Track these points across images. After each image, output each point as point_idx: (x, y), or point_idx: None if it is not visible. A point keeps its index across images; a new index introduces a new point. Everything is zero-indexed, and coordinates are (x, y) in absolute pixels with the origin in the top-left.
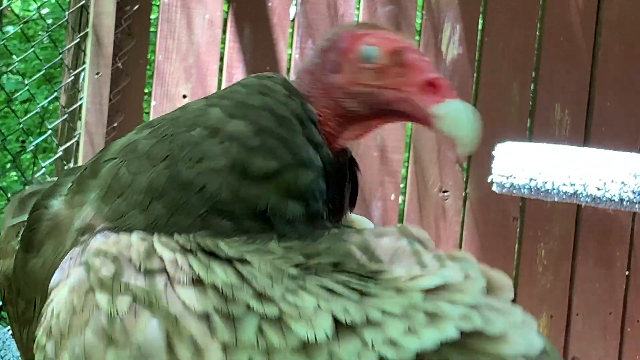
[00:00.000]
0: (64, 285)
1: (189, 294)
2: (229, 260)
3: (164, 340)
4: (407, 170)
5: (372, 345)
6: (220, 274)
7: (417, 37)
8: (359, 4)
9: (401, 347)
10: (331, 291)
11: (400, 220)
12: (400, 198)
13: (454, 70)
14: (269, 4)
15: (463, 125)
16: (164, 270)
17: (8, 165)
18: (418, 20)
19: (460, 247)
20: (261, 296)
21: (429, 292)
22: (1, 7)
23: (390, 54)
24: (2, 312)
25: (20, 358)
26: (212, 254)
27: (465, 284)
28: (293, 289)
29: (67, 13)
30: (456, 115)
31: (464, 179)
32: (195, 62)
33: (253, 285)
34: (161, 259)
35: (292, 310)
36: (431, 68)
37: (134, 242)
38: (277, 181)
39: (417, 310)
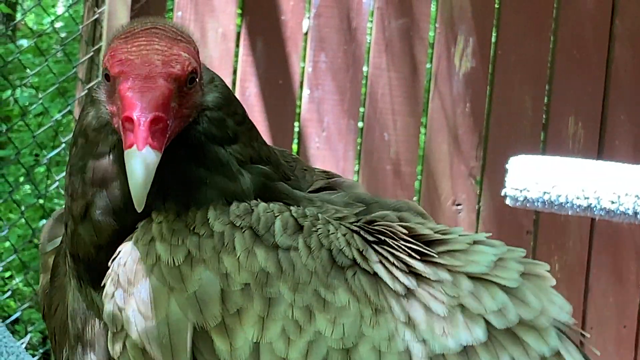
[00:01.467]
0: (129, 240)
1: (231, 264)
2: (275, 246)
3: (218, 291)
4: (420, 184)
5: (403, 338)
6: (260, 260)
7: (429, 50)
8: (371, 17)
9: (429, 346)
10: (380, 281)
11: None
12: None
13: (467, 83)
14: (282, 18)
15: (133, 179)
16: (212, 235)
17: (22, 179)
18: (431, 33)
19: None
20: (296, 286)
21: (475, 278)
22: (15, 21)
23: (113, 78)
24: (17, 326)
25: None
26: (258, 237)
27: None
28: (330, 284)
29: (80, 27)
30: (131, 167)
31: (477, 192)
32: None
33: (289, 275)
34: (211, 227)
35: (319, 305)
36: (137, 102)
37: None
38: None
39: (457, 309)
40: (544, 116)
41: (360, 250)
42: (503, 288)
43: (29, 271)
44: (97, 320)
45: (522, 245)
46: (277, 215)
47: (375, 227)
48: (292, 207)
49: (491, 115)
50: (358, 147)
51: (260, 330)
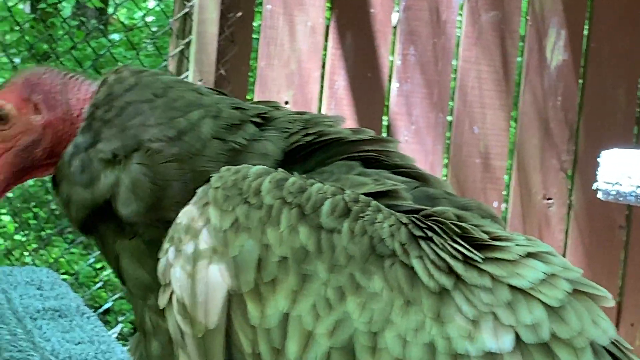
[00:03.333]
0: (190, 202)
1: (274, 237)
2: (319, 227)
3: (256, 260)
4: (510, 178)
5: (429, 332)
6: (302, 237)
7: (520, 43)
8: (461, 9)
9: (453, 344)
10: (416, 276)
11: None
12: (503, 205)
13: (559, 77)
14: (371, 11)
15: None
16: (261, 207)
17: None
18: (522, 26)
19: (564, 255)
20: (332, 267)
21: (517, 290)
22: (107, 16)
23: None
24: (108, 316)
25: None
26: (304, 215)
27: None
28: (365, 270)
29: (171, 21)
30: None
31: (569, 187)
32: (297, 69)
33: (327, 256)
34: (262, 199)
35: (352, 287)
36: None
37: (250, 175)
38: None
39: (489, 316)
40: (637, 109)
41: (403, 243)
42: (544, 305)
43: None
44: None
45: (615, 240)
46: (329, 198)
47: (428, 222)
48: (347, 191)
49: (583, 109)
50: (447, 141)
51: (291, 302)
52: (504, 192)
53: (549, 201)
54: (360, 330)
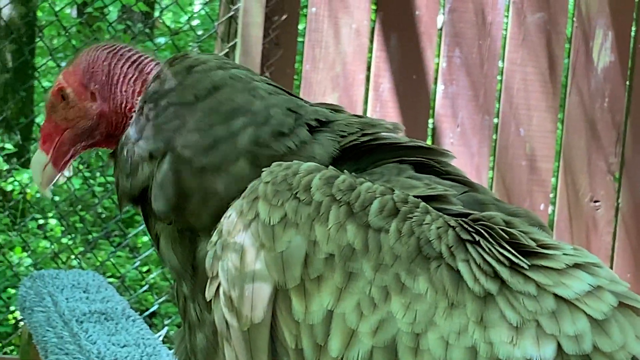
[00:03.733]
0: (242, 195)
1: (321, 233)
2: (366, 225)
3: (303, 255)
4: (557, 180)
5: (472, 336)
6: (349, 235)
7: (567, 45)
8: (507, 11)
9: (495, 349)
10: (462, 279)
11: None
12: (550, 208)
13: (606, 78)
14: (416, 13)
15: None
16: (310, 203)
17: None
18: (569, 28)
19: (612, 258)
20: (378, 266)
21: (562, 300)
22: (153, 19)
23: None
24: (154, 319)
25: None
26: (352, 213)
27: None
28: (411, 271)
29: (216, 24)
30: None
31: (616, 189)
32: (342, 72)
33: (373, 255)
34: (312, 196)
35: (397, 287)
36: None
37: (301, 171)
38: None
39: (532, 324)
40: None
41: (450, 246)
42: (588, 317)
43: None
44: (199, 295)
45: None
46: (378, 197)
47: (476, 226)
48: (396, 191)
49: (630, 111)
50: (493, 143)
51: (336, 300)
52: (551, 195)
53: (596, 204)
54: (403, 330)
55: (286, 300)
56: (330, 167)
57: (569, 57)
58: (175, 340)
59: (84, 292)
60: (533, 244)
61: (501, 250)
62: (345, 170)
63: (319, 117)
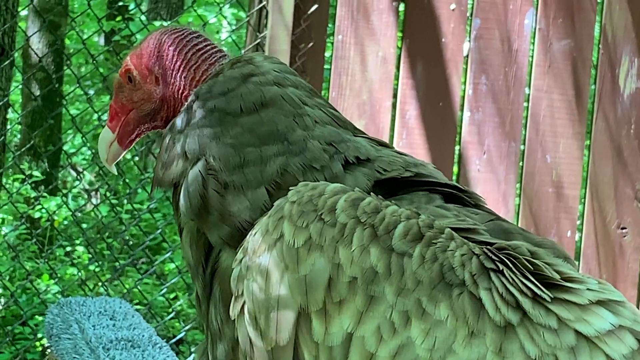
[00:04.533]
0: (267, 213)
1: (345, 256)
2: (390, 249)
3: (326, 280)
4: (583, 207)
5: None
6: (373, 258)
7: (593, 71)
8: (533, 38)
9: None
10: (483, 308)
11: (577, 258)
12: (577, 235)
13: (633, 104)
14: (443, 40)
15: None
16: (335, 225)
17: None
18: (595, 54)
19: (639, 285)
20: (400, 290)
21: (582, 336)
22: None
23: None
24: (181, 346)
25: None
26: (376, 236)
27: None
28: (433, 297)
29: (243, 51)
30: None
31: None
32: (368, 99)
33: (396, 279)
34: (337, 217)
35: (418, 313)
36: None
37: (327, 192)
38: None
39: (550, 358)
40: None
41: (473, 273)
42: (607, 357)
43: (192, 292)
44: (221, 308)
45: None
46: (403, 221)
47: (501, 255)
48: (422, 216)
49: None
50: (519, 170)
51: (356, 323)
52: (578, 222)
53: (623, 230)
54: (422, 356)
55: (307, 321)
56: (357, 188)
57: (595, 83)
58: (197, 352)
59: (111, 319)
60: (557, 276)
61: (524, 281)
62: (372, 193)
63: (360, 155)
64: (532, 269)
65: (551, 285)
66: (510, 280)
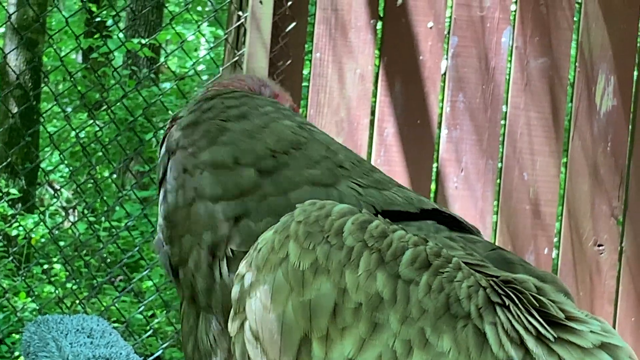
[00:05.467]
0: (272, 227)
1: (351, 281)
2: (396, 276)
3: (332, 305)
4: (560, 224)
5: None
6: (379, 284)
7: (569, 89)
8: (510, 56)
9: None
10: (487, 342)
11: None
12: (554, 252)
13: (609, 122)
14: (420, 58)
15: None
16: (342, 248)
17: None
18: (571, 72)
19: (616, 303)
20: (405, 318)
21: None
22: (158, 65)
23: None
24: None
25: None
26: (383, 261)
27: None
28: (437, 327)
29: (221, 69)
30: None
31: (620, 233)
32: (346, 116)
33: (401, 306)
34: (343, 240)
35: (421, 343)
36: None
37: (333, 214)
38: None
39: None
40: None
41: (479, 307)
42: None
43: (170, 310)
44: (214, 324)
45: None
46: (410, 247)
47: (507, 289)
48: (429, 243)
49: (633, 155)
50: (497, 188)
51: (358, 349)
52: (555, 239)
53: (600, 247)
54: None
55: (307, 344)
56: (364, 210)
57: (571, 101)
58: None
59: (88, 337)
60: (562, 315)
61: (529, 318)
62: (379, 216)
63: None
64: (538, 305)
65: (555, 324)
66: (516, 316)
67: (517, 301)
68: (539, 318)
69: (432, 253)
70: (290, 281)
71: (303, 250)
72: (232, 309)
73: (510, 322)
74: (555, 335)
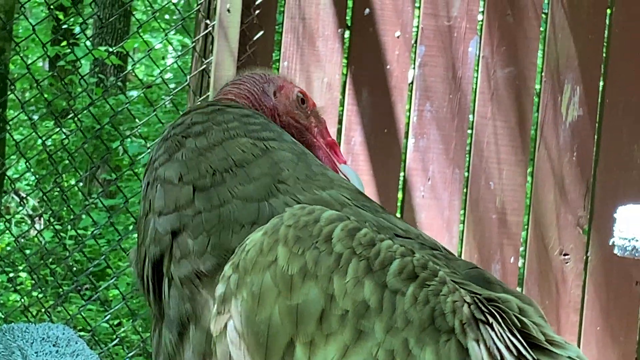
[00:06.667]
0: (261, 229)
1: (339, 287)
2: (384, 285)
3: (319, 311)
4: (526, 233)
5: None
6: (366, 292)
7: (536, 99)
8: (477, 66)
9: None
10: (468, 358)
11: (520, 284)
12: (520, 261)
13: (574, 132)
14: (387, 67)
15: (356, 181)
16: (331, 254)
17: (131, 227)
18: (537, 82)
19: (582, 311)
20: (389, 328)
21: None
22: (125, 73)
23: (312, 106)
24: None
25: None
26: (371, 270)
27: None
28: (420, 339)
29: (188, 77)
30: (352, 175)
31: (585, 242)
32: None
33: (386, 316)
34: (332, 246)
35: (404, 354)
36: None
37: (322, 220)
38: None
39: None
40: None
41: (463, 322)
42: None
43: (137, 319)
44: (170, 336)
45: (632, 296)
46: (397, 258)
47: (490, 307)
48: (416, 255)
49: (598, 164)
50: (463, 197)
51: (341, 356)
52: (521, 248)
53: (566, 257)
54: None
55: (291, 347)
56: (352, 218)
57: (538, 111)
58: None
59: (54, 345)
60: (542, 337)
61: (511, 338)
62: (367, 223)
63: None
64: (520, 326)
65: (536, 346)
66: (498, 334)
67: (500, 320)
68: (520, 339)
69: (419, 265)
70: (279, 285)
71: (292, 254)
72: (215, 309)
73: (492, 339)
74: (536, 358)
